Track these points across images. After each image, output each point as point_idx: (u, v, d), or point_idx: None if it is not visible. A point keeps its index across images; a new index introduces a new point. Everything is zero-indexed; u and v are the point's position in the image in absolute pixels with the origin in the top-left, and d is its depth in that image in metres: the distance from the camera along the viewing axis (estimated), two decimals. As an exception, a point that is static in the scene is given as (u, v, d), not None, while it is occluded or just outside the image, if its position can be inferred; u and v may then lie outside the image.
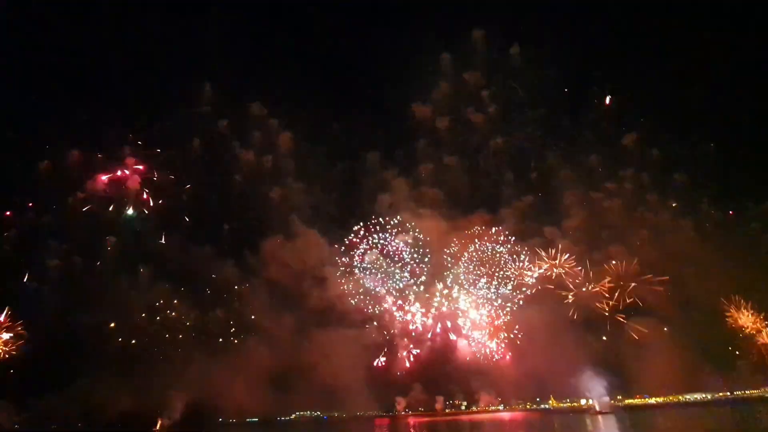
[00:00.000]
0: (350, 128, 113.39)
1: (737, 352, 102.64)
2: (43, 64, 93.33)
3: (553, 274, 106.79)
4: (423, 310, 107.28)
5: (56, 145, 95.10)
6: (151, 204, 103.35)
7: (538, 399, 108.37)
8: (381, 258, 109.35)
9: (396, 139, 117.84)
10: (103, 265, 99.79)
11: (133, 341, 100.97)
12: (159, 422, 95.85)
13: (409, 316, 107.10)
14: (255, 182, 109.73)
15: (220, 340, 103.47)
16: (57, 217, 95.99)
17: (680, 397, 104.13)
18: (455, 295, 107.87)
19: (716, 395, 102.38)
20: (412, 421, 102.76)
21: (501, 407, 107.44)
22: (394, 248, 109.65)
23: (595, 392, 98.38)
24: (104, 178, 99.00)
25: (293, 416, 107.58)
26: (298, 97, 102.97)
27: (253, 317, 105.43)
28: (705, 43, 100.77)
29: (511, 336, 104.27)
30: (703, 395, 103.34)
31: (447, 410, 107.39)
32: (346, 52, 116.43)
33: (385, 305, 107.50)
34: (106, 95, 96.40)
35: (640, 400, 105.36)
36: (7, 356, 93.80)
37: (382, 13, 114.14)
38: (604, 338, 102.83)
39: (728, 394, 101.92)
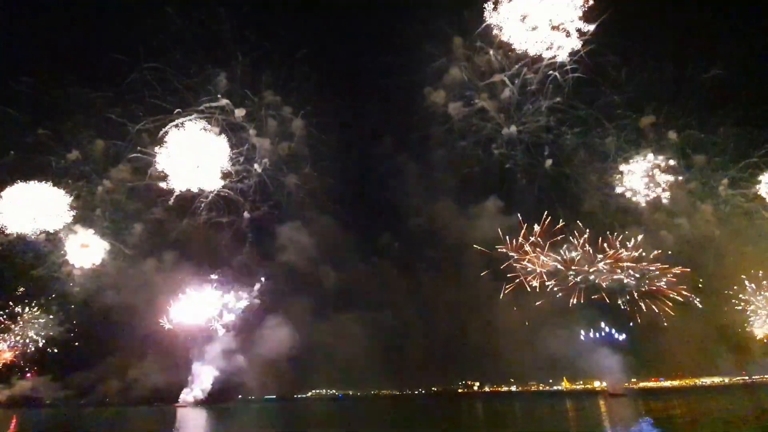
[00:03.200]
0: (363, 113, 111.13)
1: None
2: (67, 60, 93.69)
3: (568, 258, 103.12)
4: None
5: (83, 136, 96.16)
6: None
7: (550, 380, 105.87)
8: (395, 244, 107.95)
9: (408, 125, 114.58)
10: (130, 249, 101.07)
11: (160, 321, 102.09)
12: (182, 396, 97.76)
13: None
14: (273, 169, 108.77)
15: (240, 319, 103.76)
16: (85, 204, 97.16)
17: (696, 381, 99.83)
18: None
19: (733, 379, 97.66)
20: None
21: (514, 388, 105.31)
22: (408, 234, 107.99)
23: (608, 374, 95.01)
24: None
25: (309, 394, 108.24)
26: (310, 83, 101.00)
27: (272, 299, 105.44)
28: (725, 21, 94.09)
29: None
30: (720, 379, 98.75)
31: (460, 390, 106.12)
32: (356, 36, 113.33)
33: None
34: (125, 86, 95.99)
35: (655, 382, 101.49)
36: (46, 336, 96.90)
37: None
38: (619, 321, 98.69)
39: (746, 378, 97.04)
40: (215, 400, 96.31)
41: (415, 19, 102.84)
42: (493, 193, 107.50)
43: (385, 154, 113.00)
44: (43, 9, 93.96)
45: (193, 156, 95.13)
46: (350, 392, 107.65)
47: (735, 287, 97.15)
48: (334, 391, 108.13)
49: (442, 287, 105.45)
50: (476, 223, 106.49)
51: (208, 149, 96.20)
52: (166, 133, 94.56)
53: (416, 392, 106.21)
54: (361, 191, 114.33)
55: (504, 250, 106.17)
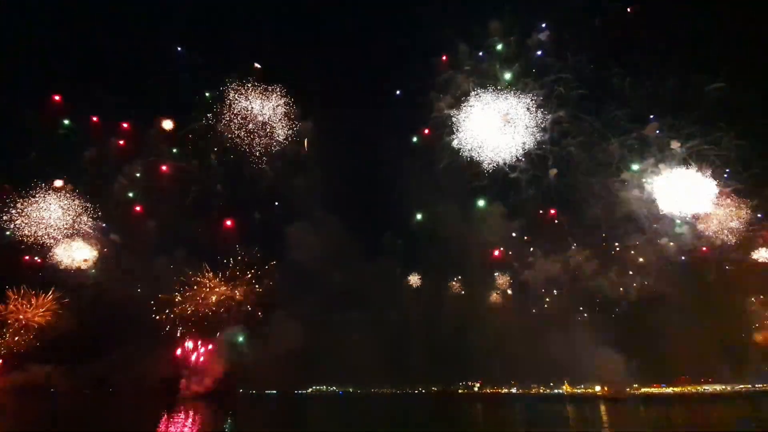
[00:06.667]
0: (371, 115, 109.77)
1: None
2: (83, 64, 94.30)
3: (572, 263, 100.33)
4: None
5: (98, 135, 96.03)
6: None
7: (551, 383, 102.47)
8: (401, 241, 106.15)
9: (414, 129, 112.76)
10: (141, 245, 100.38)
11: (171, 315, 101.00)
12: (181, 389, 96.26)
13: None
14: (281, 170, 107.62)
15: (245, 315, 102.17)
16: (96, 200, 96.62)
17: (698, 388, 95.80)
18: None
19: (736, 387, 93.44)
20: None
21: (514, 390, 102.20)
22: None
23: (609, 379, 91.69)
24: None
25: (309, 390, 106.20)
26: (318, 84, 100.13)
27: (278, 296, 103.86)
28: (729, 31, 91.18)
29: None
30: (723, 387, 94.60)
31: (460, 390, 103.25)
32: (364, 39, 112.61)
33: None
34: (132, 88, 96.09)
35: (656, 388, 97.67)
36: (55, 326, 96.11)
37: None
38: (621, 326, 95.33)
39: (749, 386, 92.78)
40: (216, 394, 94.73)
41: (422, 25, 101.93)
42: (497, 200, 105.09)
43: (391, 156, 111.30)
44: (56, 14, 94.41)
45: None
46: (350, 389, 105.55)
47: (738, 297, 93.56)
48: (334, 387, 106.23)
49: (445, 288, 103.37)
50: (479, 226, 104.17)
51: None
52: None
53: (416, 391, 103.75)
54: (366, 192, 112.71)
55: (507, 254, 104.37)
